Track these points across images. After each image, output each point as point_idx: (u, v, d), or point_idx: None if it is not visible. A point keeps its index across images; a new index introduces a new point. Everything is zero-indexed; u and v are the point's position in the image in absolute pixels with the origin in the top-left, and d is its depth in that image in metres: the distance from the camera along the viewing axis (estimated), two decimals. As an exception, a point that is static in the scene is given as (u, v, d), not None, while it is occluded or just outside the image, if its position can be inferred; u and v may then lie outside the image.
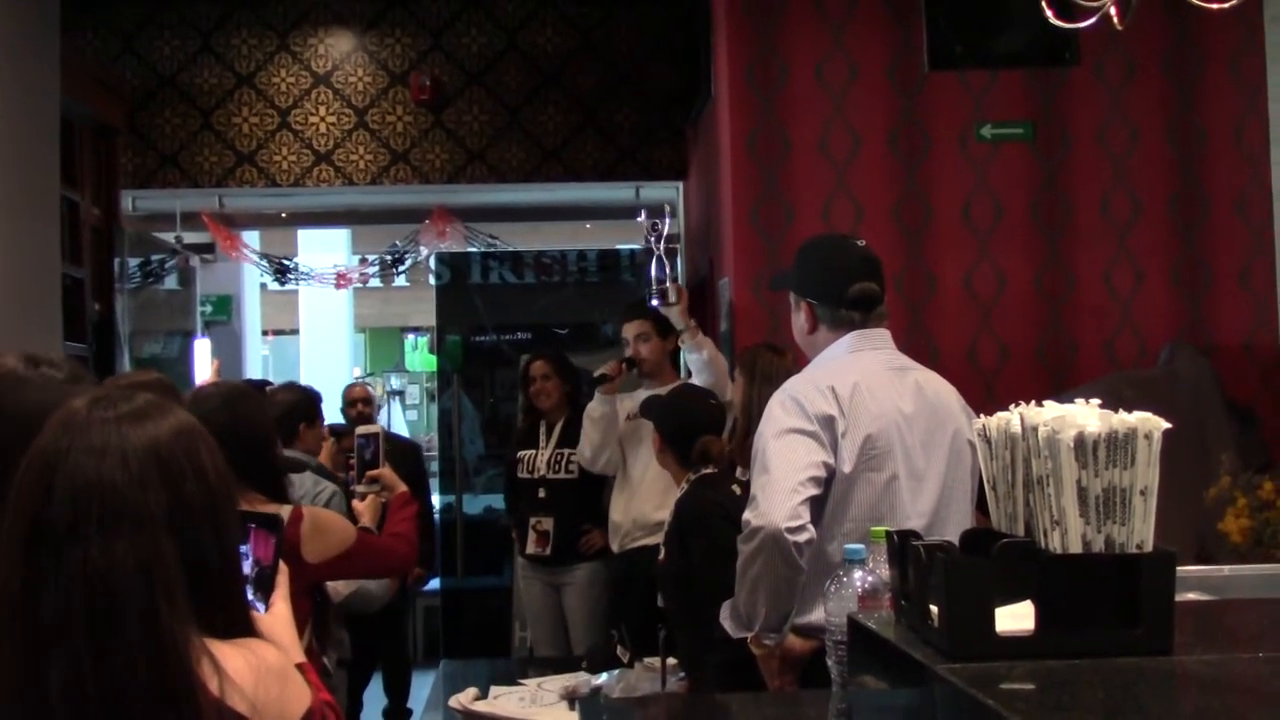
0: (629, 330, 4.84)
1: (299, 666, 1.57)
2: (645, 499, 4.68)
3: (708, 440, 3.54)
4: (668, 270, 4.65)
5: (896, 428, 2.70)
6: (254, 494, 2.66)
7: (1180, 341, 5.03)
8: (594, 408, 4.85)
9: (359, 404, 6.41)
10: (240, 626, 1.44)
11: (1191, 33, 5.17)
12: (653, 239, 4.70)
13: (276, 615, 1.61)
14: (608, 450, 4.82)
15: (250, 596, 1.59)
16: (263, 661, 1.41)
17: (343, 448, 5.41)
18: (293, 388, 4.47)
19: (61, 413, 1.42)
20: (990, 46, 4.90)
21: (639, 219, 4.78)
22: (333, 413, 6.20)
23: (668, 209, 4.74)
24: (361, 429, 3.49)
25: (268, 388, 4.71)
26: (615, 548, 4.80)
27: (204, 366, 7.18)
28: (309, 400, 4.30)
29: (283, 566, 1.66)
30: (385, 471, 3.32)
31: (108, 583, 1.33)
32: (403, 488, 3.26)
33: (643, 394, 4.83)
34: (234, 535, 1.47)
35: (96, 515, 1.35)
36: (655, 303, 4.65)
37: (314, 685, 1.54)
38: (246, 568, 1.62)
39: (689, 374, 4.75)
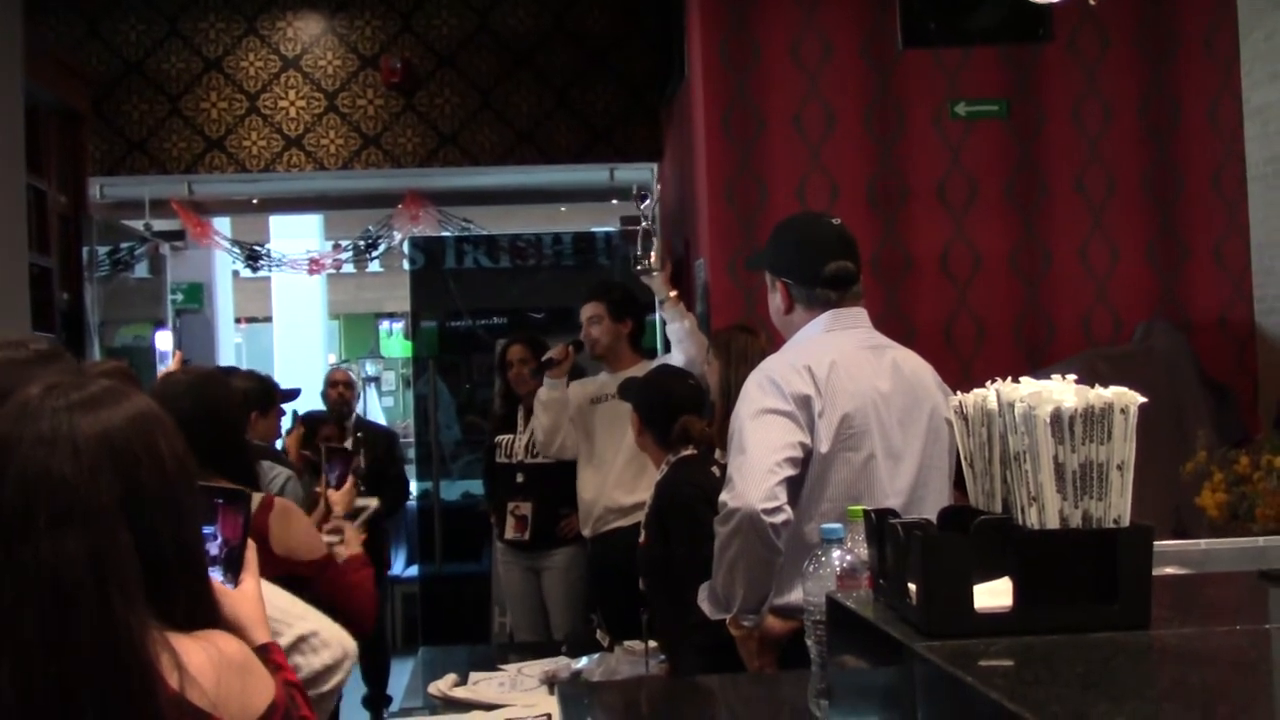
0: (584, 313, 4.88)
1: (266, 646, 1.56)
2: (617, 482, 4.68)
3: (687, 420, 3.54)
4: (654, 240, 4.66)
5: (874, 407, 2.71)
6: (223, 481, 2.64)
7: (1156, 318, 5.06)
8: (542, 392, 4.87)
9: (340, 386, 6.40)
10: (201, 618, 1.42)
11: (1165, 8, 5.18)
12: (640, 208, 4.72)
13: (245, 593, 1.59)
14: (560, 434, 4.84)
15: (220, 576, 1.58)
16: (224, 654, 1.40)
17: (321, 437, 5.41)
18: (249, 376, 4.44)
19: (14, 401, 1.40)
20: (964, 23, 4.89)
21: (635, 193, 4.78)
22: (311, 398, 6.18)
23: (653, 178, 4.74)
24: (332, 446, 3.42)
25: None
26: (586, 531, 4.81)
27: (166, 356, 7.13)
28: (264, 389, 4.28)
29: (251, 544, 1.65)
30: (350, 532, 3.15)
31: (58, 577, 1.30)
32: (359, 549, 3.10)
33: (605, 379, 4.86)
34: (194, 525, 1.45)
35: (46, 508, 1.32)
36: (639, 269, 4.67)
37: (280, 666, 1.52)
38: (214, 548, 1.60)
39: (657, 354, 4.75)
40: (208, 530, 1.58)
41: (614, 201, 4.70)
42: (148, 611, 1.34)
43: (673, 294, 4.65)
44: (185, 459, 1.44)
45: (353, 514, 3.22)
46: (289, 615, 1.98)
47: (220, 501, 1.62)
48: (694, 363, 4.43)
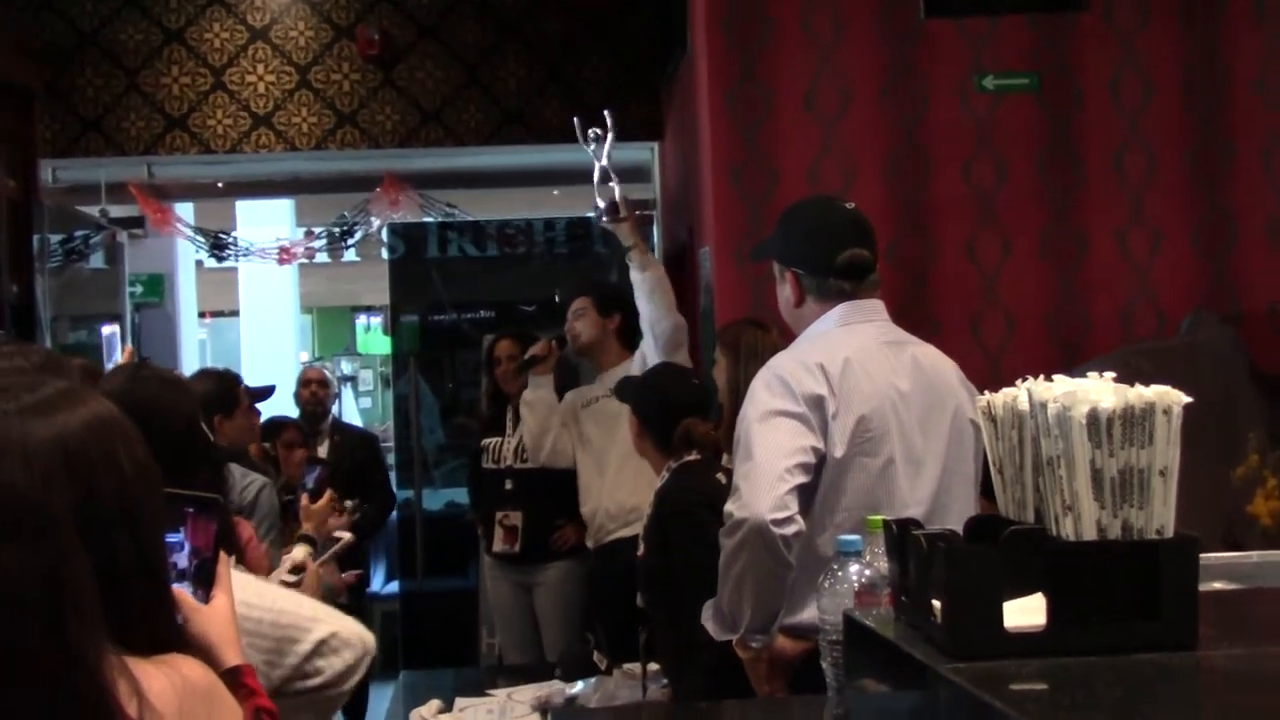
0: (571, 307, 4.90)
1: (239, 669, 1.55)
2: (616, 486, 4.69)
3: (690, 423, 3.54)
4: (614, 183, 4.64)
5: (892, 407, 2.71)
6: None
7: (1203, 309, 5.05)
8: (528, 392, 4.88)
9: (313, 385, 6.39)
10: (164, 641, 1.42)
11: (1210, -28, 5.17)
12: (593, 148, 4.69)
13: (216, 610, 1.59)
14: (549, 437, 4.85)
15: (190, 590, 1.57)
16: (187, 681, 1.39)
17: (283, 442, 5.40)
18: (206, 375, 4.42)
19: None
20: (991, -10, 4.89)
21: (579, 128, 4.72)
22: (284, 400, 6.17)
23: (607, 116, 4.70)
24: (314, 458, 3.36)
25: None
26: (591, 543, 4.81)
27: (116, 353, 7.12)
28: (225, 388, 4.27)
29: (224, 557, 1.64)
30: (310, 577, 3.05)
31: (6, 596, 1.29)
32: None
33: (597, 380, 4.87)
34: (157, 539, 1.44)
35: None
36: (604, 219, 4.66)
37: (254, 691, 1.52)
38: (182, 559, 1.60)
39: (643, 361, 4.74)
40: (175, 539, 1.58)
41: (611, 184, 4.69)
42: (105, 634, 1.33)
43: (639, 241, 4.66)
44: (148, 467, 1.43)
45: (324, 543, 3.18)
46: (302, 619, 2.01)
47: (190, 510, 1.62)
48: (663, 318, 4.46)
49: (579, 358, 5.07)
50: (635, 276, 4.60)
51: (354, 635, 2.06)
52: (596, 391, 4.89)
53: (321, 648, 2.00)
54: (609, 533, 4.71)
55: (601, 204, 4.63)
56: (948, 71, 5.11)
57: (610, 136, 4.65)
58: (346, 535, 3.21)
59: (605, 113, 4.72)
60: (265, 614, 1.92)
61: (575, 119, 4.78)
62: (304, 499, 3.42)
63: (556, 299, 6.49)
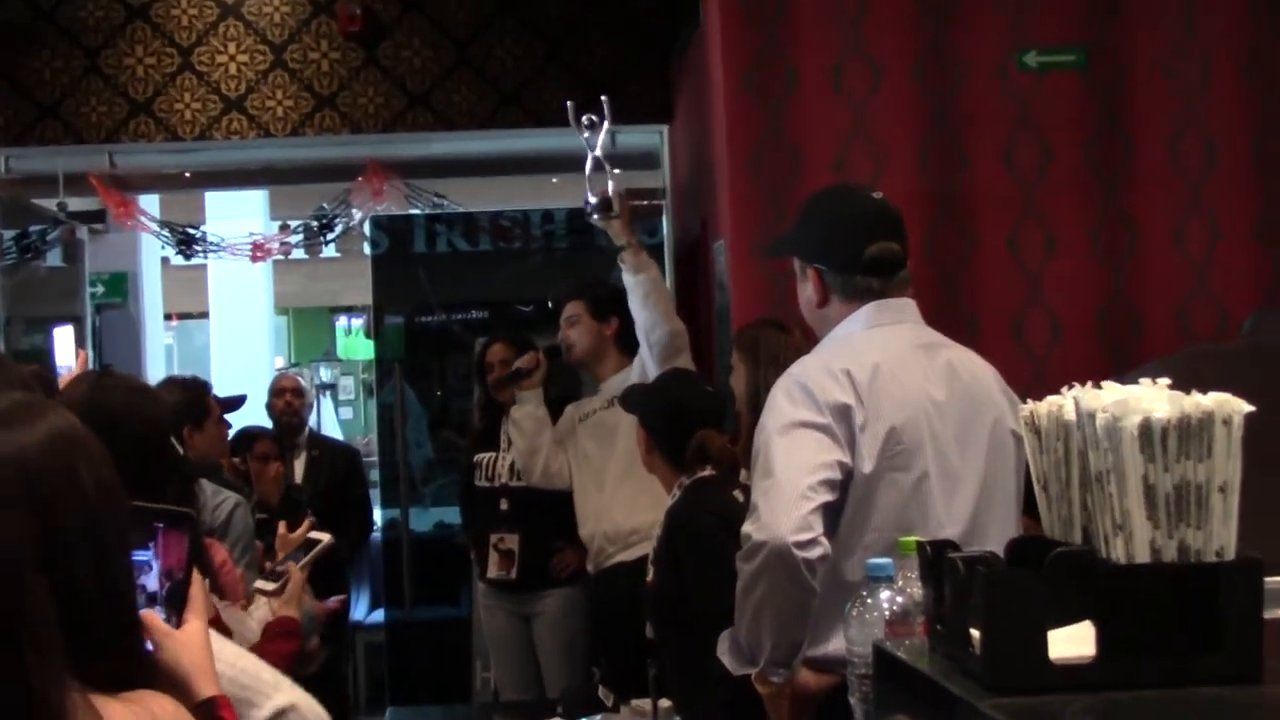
0: (562, 314, 4.91)
1: (214, 700, 1.56)
2: (614, 505, 4.69)
3: (705, 435, 3.55)
4: (609, 174, 4.64)
5: (926, 417, 2.71)
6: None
7: (1267, 308, 5.04)
8: (515, 409, 4.90)
9: (287, 394, 6.42)
10: (131, 675, 1.42)
11: (1276, -63, 5.16)
12: (587, 136, 4.69)
13: (189, 636, 1.60)
14: (541, 457, 4.87)
15: (161, 614, 1.58)
16: (156, 719, 1.40)
17: (255, 455, 5.42)
18: (173, 384, 4.44)
19: None
20: (1035, -43, 4.89)
21: (571, 111, 4.72)
22: (255, 410, 6.18)
23: (604, 102, 4.70)
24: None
25: None
26: (591, 568, 4.82)
27: (66, 358, 7.13)
28: (193, 398, 4.29)
29: (198, 577, 1.65)
30: (294, 585, 3.01)
31: None
32: (293, 610, 3.00)
33: (594, 396, 4.87)
34: (123, 565, 1.45)
35: None
36: (595, 216, 4.66)
37: None
38: (151, 580, 1.60)
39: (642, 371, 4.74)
40: (144, 557, 1.58)
41: (616, 171, 4.69)
42: (67, 670, 1.34)
43: (633, 241, 4.66)
44: (112, 488, 1.43)
45: (301, 548, 3.18)
46: (262, 684, 2.04)
47: (160, 525, 1.62)
48: (659, 324, 4.47)
49: (579, 370, 5.07)
50: (628, 279, 4.61)
51: (313, 713, 2.07)
52: (595, 403, 4.90)
53: (279, 718, 2.01)
54: (609, 556, 4.72)
55: (593, 198, 4.63)
56: (987, 47, 5.11)
57: (606, 123, 4.65)
58: (325, 537, 3.18)
59: (603, 99, 4.72)
60: (226, 669, 1.93)
61: (568, 103, 4.78)
62: (281, 527, 3.42)
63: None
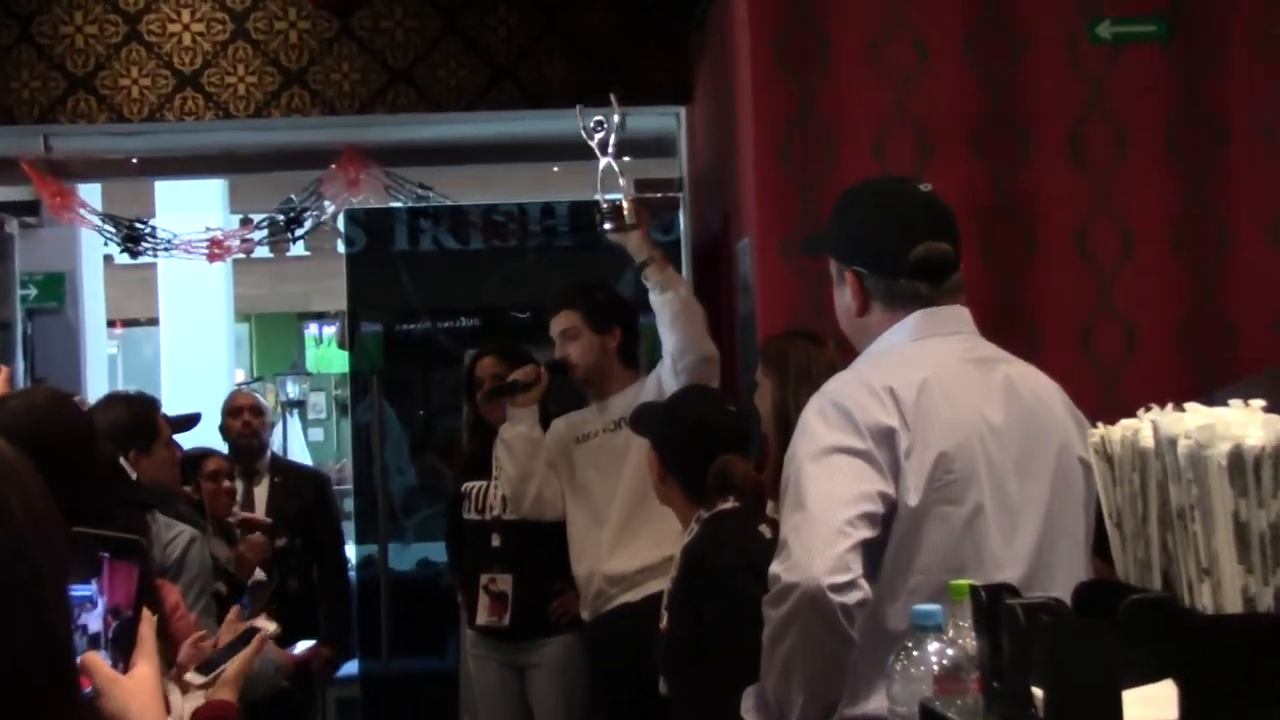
0: (553, 327, 4.94)
1: None
2: (618, 542, 4.70)
3: (727, 462, 3.56)
4: (622, 182, 4.64)
5: (981, 442, 2.71)
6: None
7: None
8: (506, 428, 4.90)
9: (245, 413, 6.41)
10: None
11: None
12: (597, 139, 4.68)
13: (138, 681, 1.60)
14: (533, 484, 4.88)
15: (107, 657, 1.58)
16: None
17: (206, 474, 5.42)
18: (114, 402, 4.44)
19: None
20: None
21: (579, 115, 4.71)
22: (209, 431, 6.19)
23: (612, 99, 4.70)
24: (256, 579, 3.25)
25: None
26: (586, 614, 4.82)
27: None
28: (139, 417, 4.29)
29: (148, 615, 1.65)
30: (234, 674, 2.96)
31: None
32: (229, 694, 2.93)
33: (592, 411, 4.87)
34: (60, 608, 1.45)
35: None
36: (607, 227, 4.66)
37: None
38: (95, 621, 1.60)
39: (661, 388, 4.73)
40: (85, 593, 1.59)
41: (625, 159, 4.69)
42: None
43: (655, 254, 4.66)
44: (47, 519, 1.44)
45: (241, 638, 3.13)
46: None
47: (106, 555, 1.62)
48: (690, 349, 4.47)
49: (584, 390, 5.05)
50: (655, 299, 4.61)
51: None
52: (595, 424, 4.90)
53: None
54: (609, 599, 4.72)
55: (605, 208, 4.62)
56: (1051, 17, 5.11)
57: (617, 120, 4.65)
58: (270, 627, 3.15)
59: (612, 96, 4.72)
60: None
61: (577, 107, 4.77)
62: (232, 612, 3.38)
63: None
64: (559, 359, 4.93)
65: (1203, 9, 5.14)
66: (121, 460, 3.47)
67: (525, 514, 4.96)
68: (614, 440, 4.75)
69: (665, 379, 4.61)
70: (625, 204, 4.62)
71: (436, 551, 6.71)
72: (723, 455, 3.57)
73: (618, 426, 4.68)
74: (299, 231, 7.55)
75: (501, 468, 4.96)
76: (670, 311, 4.58)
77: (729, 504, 3.53)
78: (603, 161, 4.66)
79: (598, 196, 4.67)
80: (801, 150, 5.08)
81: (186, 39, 6.64)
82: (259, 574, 5.38)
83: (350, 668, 7.60)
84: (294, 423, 13.33)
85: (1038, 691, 1.59)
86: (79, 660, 1.56)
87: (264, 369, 16.30)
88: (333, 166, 7.20)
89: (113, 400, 4.55)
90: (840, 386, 2.76)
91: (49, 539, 1.44)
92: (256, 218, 8.00)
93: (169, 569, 3.82)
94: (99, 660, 1.60)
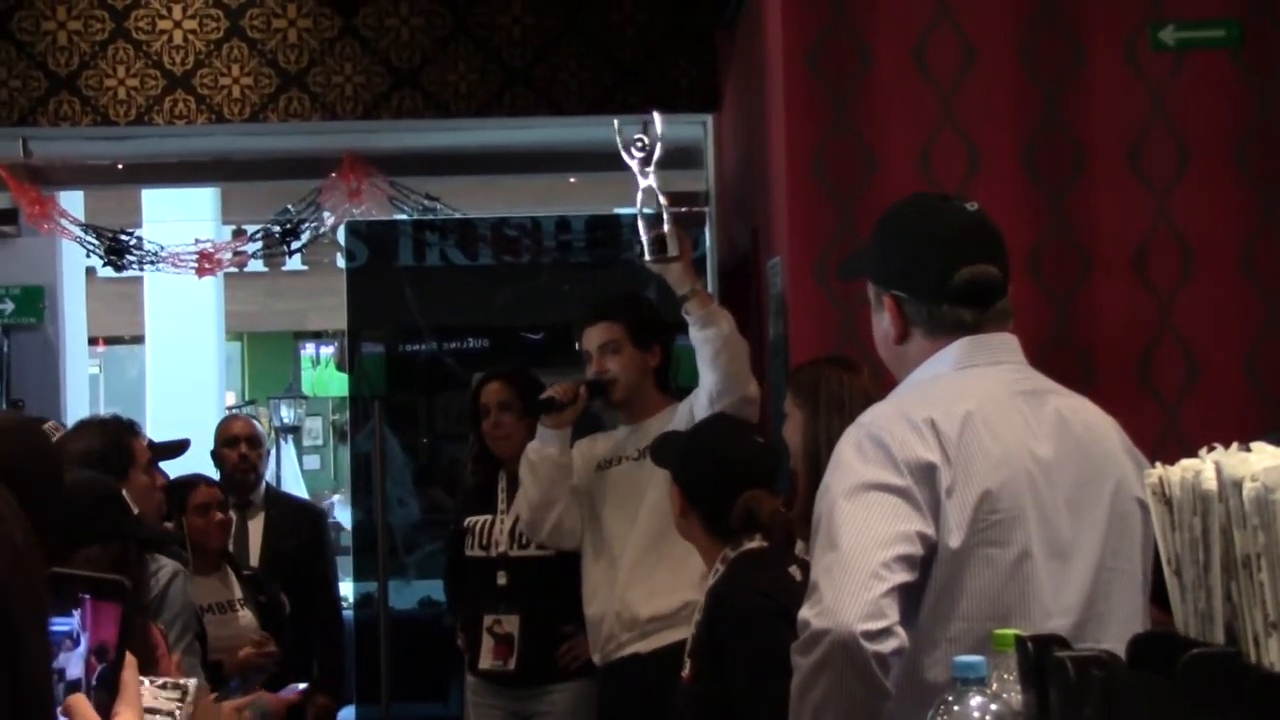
0: (590, 339, 4.89)
1: None
2: (634, 581, 4.69)
3: (753, 497, 3.55)
4: (664, 208, 4.64)
5: (1029, 480, 2.70)
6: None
7: None
8: (534, 448, 4.87)
9: (242, 444, 6.38)
10: None
11: None
12: (638, 161, 4.69)
13: None
14: (555, 511, 4.85)
15: (90, 701, 1.58)
16: None
17: (194, 505, 5.41)
18: (88, 429, 4.44)
19: None
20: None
21: (618, 133, 4.72)
22: (199, 458, 6.19)
23: (656, 121, 4.71)
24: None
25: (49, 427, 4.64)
26: (597, 658, 4.81)
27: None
28: (111, 443, 4.29)
29: (131, 659, 1.65)
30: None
31: None
32: None
33: (622, 434, 4.86)
34: (40, 654, 1.45)
35: None
36: (647, 258, 4.66)
37: None
38: (76, 667, 1.60)
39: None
40: (64, 628, 1.59)
41: (660, 210, 4.68)
42: None
43: (698, 286, 4.66)
44: (28, 557, 1.44)
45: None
46: None
47: (88, 597, 1.63)
48: (730, 390, 4.45)
49: (618, 410, 5.03)
50: (695, 335, 4.60)
51: None
52: (622, 449, 4.88)
53: None
54: (621, 646, 4.71)
55: (646, 238, 4.62)
56: (1111, 20, 5.11)
57: (658, 145, 4.66)
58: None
59: (655, 116, 4.72)
60: None
61: (615, 122, 4.77)
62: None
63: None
64: (596, 376, 4.87)
65: (1276, 13, 5.13)
66: (124, 493, 3.49)
67: (541, 541, 4.94)
68: (639, 472, 4.73)
69: (698, 414, 4.58)
70: (667, 232, 4.62)
71: (439, 589, 6.72)
72: (748, 490, 3.56)
73: (643, 455, 4.66)
74: (296, 244, 7.57)
75: (522, 487, 4.93)
76: (712, 349, 4.55)
77: (756, 543, 3.52)
78: (643, 182, 4.66)
79: (639, 227, 4.67)
80: (837, 163, 5.08)
81: (177, 37, 6.66)
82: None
83: (347, 714, 7.61)
84: (288, 449, 13.36)
85: (1088, 752, 1.59)
86: (65, 704, 1.56)
87: (256, 391, 16.34)
88: (333, 175, 7.22)
89: (86, 426, 4.56)
90: (877, 418, 2.75)
91: (27, 587, 1.44)
92: (250, 229, 8.02)
93: (149, 605, 3.82)
94: (85, 704, 1.60)
